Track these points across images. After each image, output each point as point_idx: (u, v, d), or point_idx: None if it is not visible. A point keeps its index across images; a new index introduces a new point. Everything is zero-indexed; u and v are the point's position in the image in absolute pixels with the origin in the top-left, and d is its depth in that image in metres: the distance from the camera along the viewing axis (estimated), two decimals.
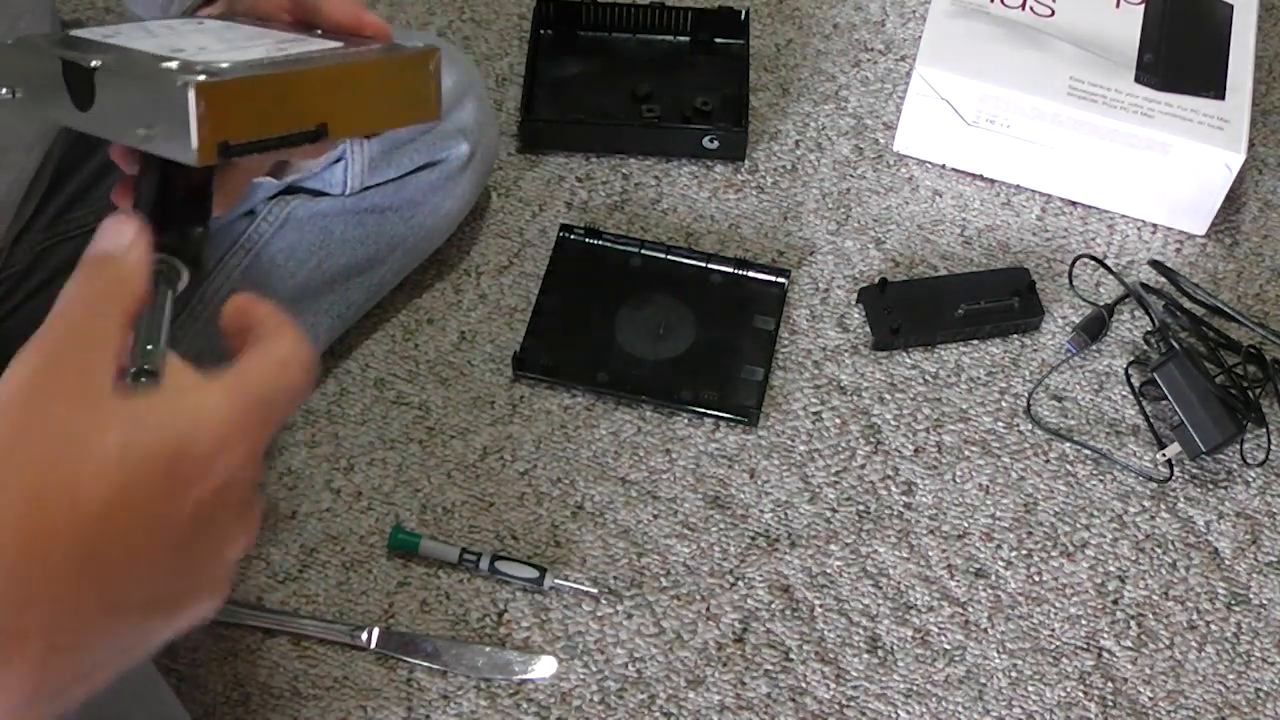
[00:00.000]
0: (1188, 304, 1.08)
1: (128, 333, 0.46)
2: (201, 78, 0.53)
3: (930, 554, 0.97)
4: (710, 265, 1.09)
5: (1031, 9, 1.16)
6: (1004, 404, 1.04)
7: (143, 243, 0.48)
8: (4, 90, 0.61)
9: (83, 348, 0.43)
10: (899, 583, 0.95)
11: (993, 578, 0.96)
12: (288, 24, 0.69)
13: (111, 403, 0.42)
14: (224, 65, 0.56)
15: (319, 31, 0.66)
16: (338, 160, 0.96)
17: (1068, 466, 1.01)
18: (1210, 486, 1.00)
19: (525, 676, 0.90)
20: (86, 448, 0.40)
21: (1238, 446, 1.01)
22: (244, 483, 0.44)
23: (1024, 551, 0.97)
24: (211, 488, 0.42)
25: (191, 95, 0.53)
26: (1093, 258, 1.11)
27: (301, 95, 0.58)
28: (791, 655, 0.92)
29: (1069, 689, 0.91)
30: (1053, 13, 1.16)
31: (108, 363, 0.43)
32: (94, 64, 0.57)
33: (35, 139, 0.81)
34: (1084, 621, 0.94)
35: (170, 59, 0.57)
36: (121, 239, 0.48)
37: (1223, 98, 1.11)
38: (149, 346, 0.51)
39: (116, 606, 0.41)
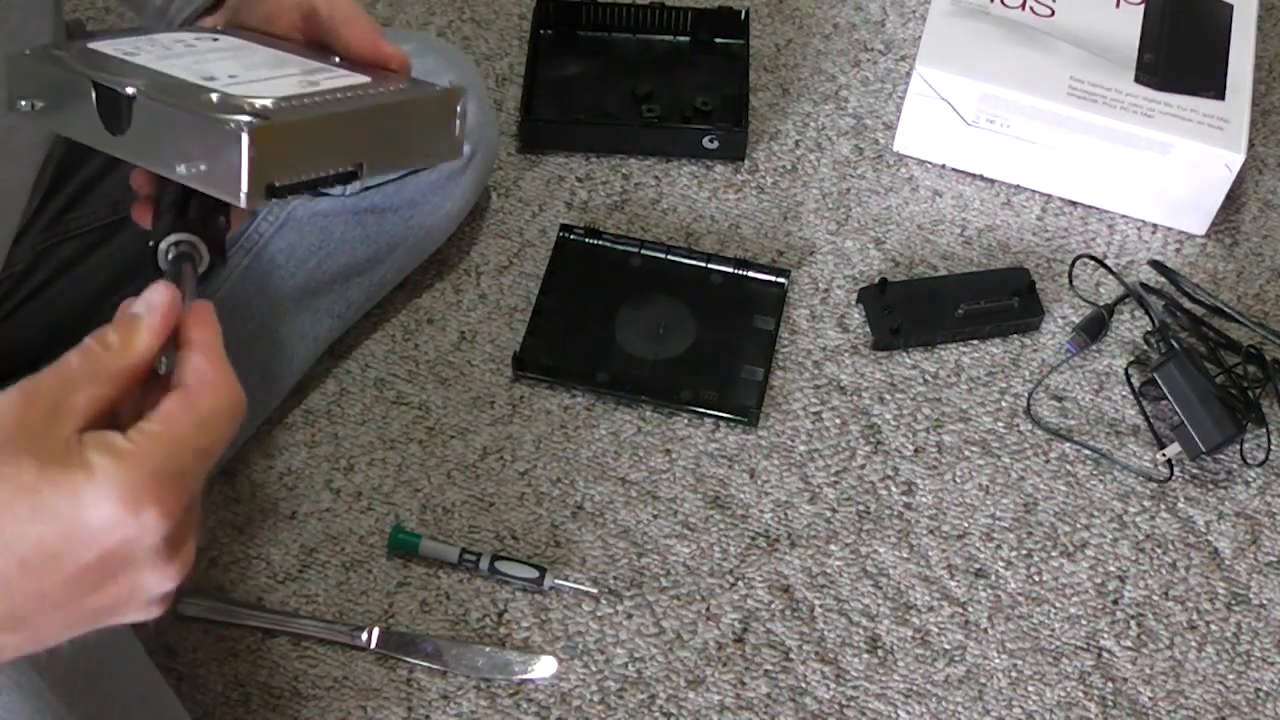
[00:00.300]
0: (1188, 304, 1.08)
1: (112, 390, 0.49)
2: (252, 119, 0.53)
3: (930, 554, 0.97)
4: (710, 265, 1.09)
5: (1031, 9, 1.16)
6: (1004, 404, 1.04)
7: (165, 316, 0.51)
8: (24, 103, 0.60)
9: (54, 404, 0.48)
10: (899, 583, 0.95)
11: (993, 578, 0.96)
12: (300, 44, 0.69)
13: (29, 488, 0.46)
14: (269, 105, 0.56)
15: (336, 60, 0.66)
16: None
17: (1068, 466, 1.01)
18: (1210, 486, 1.00)
19: (525, 676, 0.90)
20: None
21: (1238, 446, 1.01)
22: (150, 544, 0.47)
23: (1024, 551, 0.97)
24: (101, 556, 0.47)
25: (245, 140, 0.53)
26: (1093, 258, 1.11)
27: (342, 136, 0.59)
28: (791, 655, 0.92)
29: (1069, 689, 0.91)
30: (1053, 13, 1.16)
31: (71, 420, 0.47)
32: (130, 91, 0.56)
33: (47, 137, 0.81)
34: (1084, 621, 0.94)
35: (208, 89, 0.57)
36: (154, 303, 0.51)
37: (1223, 98, 1.11)
38: None
39: (36, 624, 0.48)
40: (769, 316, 1.06)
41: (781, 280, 1.08)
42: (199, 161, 0.55)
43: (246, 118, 0.54)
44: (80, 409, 0.48)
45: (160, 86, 0.58)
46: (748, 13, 1.21)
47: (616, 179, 1.15)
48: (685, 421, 1.02)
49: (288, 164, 0.56)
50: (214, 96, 0.56)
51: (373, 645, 0.90)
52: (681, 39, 1.22)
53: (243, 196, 0.54)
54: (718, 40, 1.22)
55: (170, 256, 0.57)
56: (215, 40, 0.67)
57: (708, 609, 0.93)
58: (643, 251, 1.09)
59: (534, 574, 0.92)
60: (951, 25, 1.14)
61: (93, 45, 0.63)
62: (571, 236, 1.10)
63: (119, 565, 0.47)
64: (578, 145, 1.16)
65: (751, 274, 1.08)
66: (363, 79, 0.64)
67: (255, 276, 0.95)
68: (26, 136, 0.78)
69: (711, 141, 1.14)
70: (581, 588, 0.93)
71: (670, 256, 1.09)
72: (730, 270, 1.09)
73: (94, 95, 0.58)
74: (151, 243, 0.57)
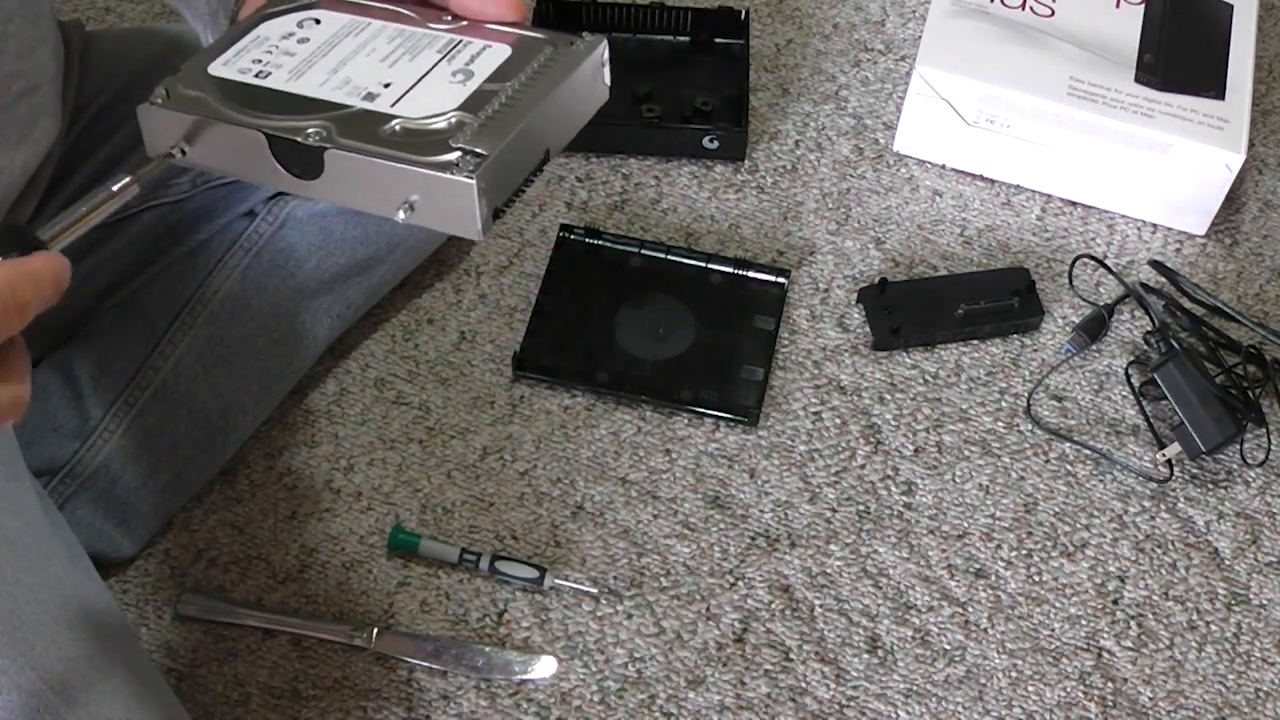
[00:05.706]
0: (1188, 304, 1.08)
1: None
2: (475, 167, 0.54)
3: (930, 554, 0.97)
4: (710, 265, 1.09)
5: (1031, 9, 1.16)
6: (1004, 404, 1.04)
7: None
8: (175, 153, 0.59)
9: None
10: (899, 583, 0.95)
11: (993, 578, 0.96)
12: (394, 5, 0.67)
13: None
14: (473, 129, 0.56)
15: (449, 18, 0.65)
16: None
17: (1068, 466, 1.01)
18: (1210, 486, 1.00)
19: (525, 676, 0.90)
20: None
21: (1238, 446, 1.01)
22: None
23: (1024, 551, 0.97)
24: None
25: (476, 189, 0.54)
26: (1093, 258, 1.11)
27: (537, 134, 0.59)
28: (791, 655, 0.92)
29: (1069, 689, 0.91)
30: (1053, 13, 1.16)
31: None
32: (316, 143, 0.56)
33: (57, 122, 0.80)
34: (1084, 621, 0.94)
35: (384, 116, 0.57)
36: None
37: (1223, 98, 1.11)
38: None
39: None
40: (769, 316, 1.06)
41: (781, 280, 1.08)
42: (418, 205, 0.55)
43: (468, 168, 0.54)
44: None
45: (338, 125, 0.57)
46: (748, 13, 1.21)
47: (616, 179, 1.15)
48: (685, 421, 1.02)
49: (503, 187, 0.57)
50: (397, 126, 0.56)
51: (373, 645, 0.90)
52: (681, 39, 1.22)
53: (478, 234, 0.55)
54: (718, 40, 1.22)
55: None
56: (318, 23, 0.65)
57: (708, 609, 0.93)
58: (643, 251, 1.09)
59: (534, 574, 0.92)
60: (951, 25, 1.14)
61: (213, 71, 0.61)
62: (571, 236, 1.10)
63: None
64: (578, 145, 1.16)
65: (751, 274, 1.08)
66: (502, 49, 0.62)
67: (255, 276, 0.95)
68: (45, 125, 0.77)
69: (711, 141, 1.14)
70: (581, 588, 0.93)
71: (670, 256, 1.09)
72: (730, 270, 1.09)
73: (267, 144, 0.57)
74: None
